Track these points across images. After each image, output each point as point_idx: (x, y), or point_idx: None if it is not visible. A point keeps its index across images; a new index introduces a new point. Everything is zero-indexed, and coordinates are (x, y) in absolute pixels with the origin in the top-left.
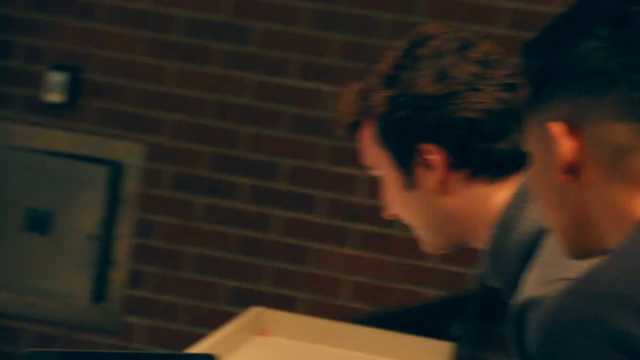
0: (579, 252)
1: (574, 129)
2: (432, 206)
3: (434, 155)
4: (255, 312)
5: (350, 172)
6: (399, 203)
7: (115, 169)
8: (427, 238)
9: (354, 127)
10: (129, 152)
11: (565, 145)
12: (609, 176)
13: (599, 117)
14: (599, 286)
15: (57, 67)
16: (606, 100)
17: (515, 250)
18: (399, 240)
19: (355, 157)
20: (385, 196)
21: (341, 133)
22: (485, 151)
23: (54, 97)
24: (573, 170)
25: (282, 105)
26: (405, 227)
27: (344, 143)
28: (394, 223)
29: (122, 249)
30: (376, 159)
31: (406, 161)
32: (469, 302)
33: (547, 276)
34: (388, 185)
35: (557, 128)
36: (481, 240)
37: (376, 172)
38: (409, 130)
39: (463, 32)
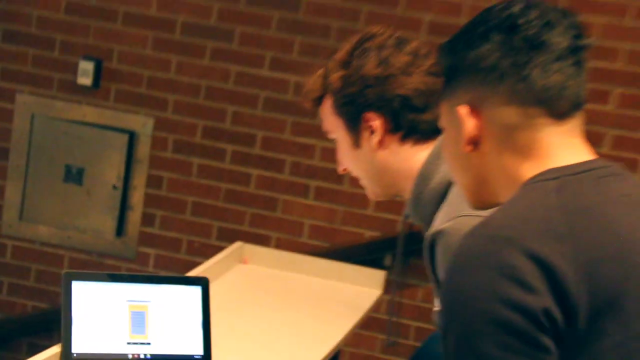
0: (479, 204)
1: (475, 111)
2: (372, 161)
3: (375, 122)
4: (238, 246)
5: (309, 142)
6: (349, 159)
7: (131, 136)
8: (370, 187)
9: (317, 101)
10: (141, 123)
11: (469, 124)
12: (501, 148)
13: (493, 103)
14: (493, 230)
15: (86, 58)
16: (498, 90)
17: (431, 195)
18: (346, 194)
19: (312, 130)
20: (339, 154)
21: (308, 105)
22: (413, 120)
23: (84, 80)
24: (475, 142)
25: (257, 90)
26: (351, 184)
27: (304, 120)
28: (343, 181)
29: (137, 197)
30: (332, 125)
31: (354, 126)
32: (398, 240)
33: (452, 214)
34: (341, 145)
35: (463, 110)
36: (408, 190)
37: (332, 136)
38: (357, 102)
39: (399, 32)
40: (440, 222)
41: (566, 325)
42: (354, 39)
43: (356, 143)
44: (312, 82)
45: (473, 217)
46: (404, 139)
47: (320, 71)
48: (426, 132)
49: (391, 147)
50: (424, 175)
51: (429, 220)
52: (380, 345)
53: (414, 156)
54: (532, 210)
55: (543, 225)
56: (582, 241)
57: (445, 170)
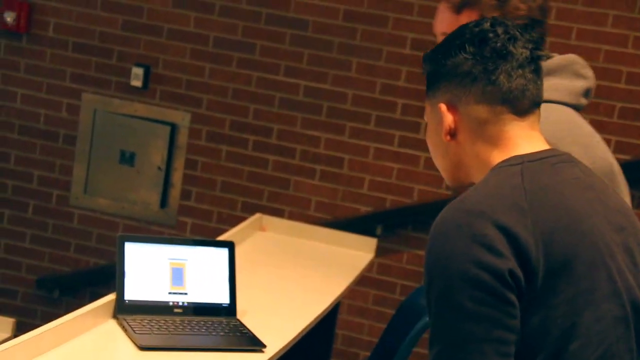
0: (456, 183)
1: (452, 108)
2: None
3: None
4: (257, 217)
5: (316, 134)
6: None
7: (173, 128)
8: None
9: (458, 9)
10: (180, 117)
11: (448, 118)
12: (474, 138)
13: (468, 102)
14: (468, 205)
15: (138, 65)
16: (471, 91)
17: None
18: (345, 176)
19: (318, 125)
20: None
21: (448, 5)
22: None
23: (136, 83)
24: (452, 133)
25: (274, 92)
26: (349, 168)
27: (312, 116)
28: (343, 165)
29: (177, 176)
30: None
31: None
32: (392, 214)
33: None
34: None
35: (443, 107)
36: None
37: None
38: None
39: None
40: None
41: (527, 283)
42: None
43: None
44: None
45: None
46: None
47: None
48: None
49: None
50: None
51: None
52: (372, 298)
53: None
54: (500, 189)
55: (509, 201)
56: (540, 215)
57: None
